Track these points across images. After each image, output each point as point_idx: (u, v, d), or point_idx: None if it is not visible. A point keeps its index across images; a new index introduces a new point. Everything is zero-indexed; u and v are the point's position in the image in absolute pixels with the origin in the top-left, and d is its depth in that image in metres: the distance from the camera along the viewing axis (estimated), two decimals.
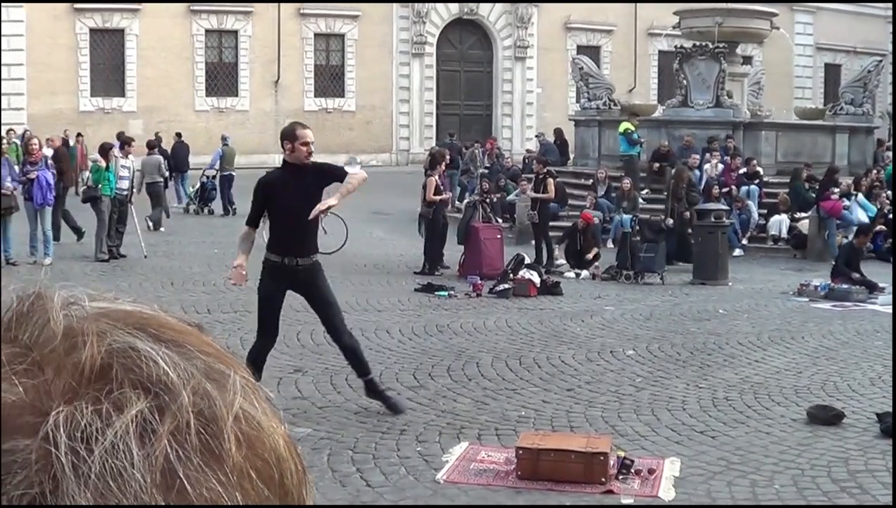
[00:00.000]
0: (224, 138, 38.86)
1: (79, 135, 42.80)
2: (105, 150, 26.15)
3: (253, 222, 12.57)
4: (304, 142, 11.65)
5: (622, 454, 10.47)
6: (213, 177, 36.66)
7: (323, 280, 12.49)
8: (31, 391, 0.77)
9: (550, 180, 26.86)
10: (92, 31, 55.97)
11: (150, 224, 29.50)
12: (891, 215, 28.96)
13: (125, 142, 27.93)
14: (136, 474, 0.74)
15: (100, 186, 24.77)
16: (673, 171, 29.95)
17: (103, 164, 25.02)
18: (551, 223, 26.71)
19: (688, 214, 26.85)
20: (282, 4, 57.70)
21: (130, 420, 0.76)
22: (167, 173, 33.51)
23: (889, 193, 30.77)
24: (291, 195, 11.65)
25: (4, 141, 31.82)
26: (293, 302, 19.47)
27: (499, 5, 62.11)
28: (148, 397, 0.77)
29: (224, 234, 29.19)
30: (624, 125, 34.43)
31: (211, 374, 0.82)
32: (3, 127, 40.05)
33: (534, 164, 29.65)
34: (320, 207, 11.49)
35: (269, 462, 0.81)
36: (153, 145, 32.79)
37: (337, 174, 12.15)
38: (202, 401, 0.79)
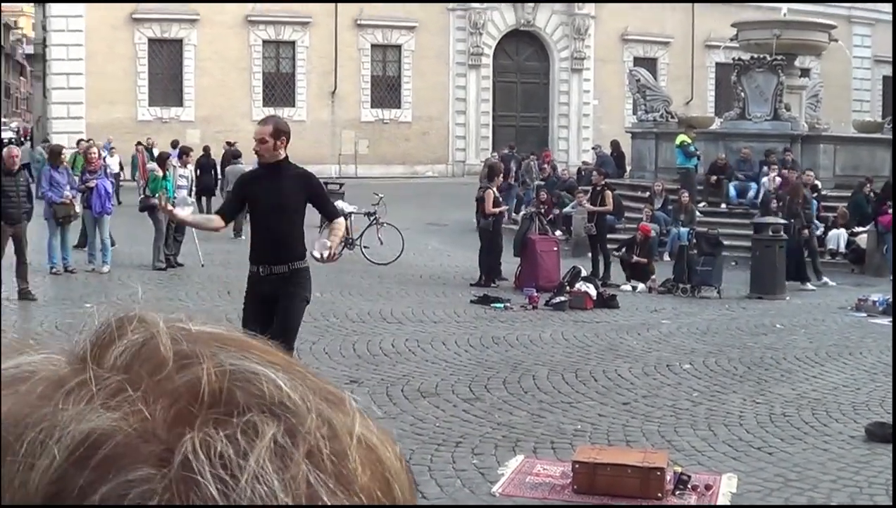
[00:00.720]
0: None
1: (138, 144, 43.00)
2: (162, 159, 26.32)
3: (224, 212, 11.47)
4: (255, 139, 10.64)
5: (679, 469, 10.43)
6: None
7: (294, 297, 11.00)
8: (146, 420, 0.76)
9: (608, 193, 26.80)
10: (150, 40, 56.41)
11: (233, 231, 29.92)
12: None
13: (183, 151, 28.10)
14: (285, 500, 0.74)
15: (157, 195, 24.93)
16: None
17: (160, 173, 25.18)
18: (608, 236, 26.64)
19: (806, 231, 26.59)
20: (339, 15, 57.90)
21: (267, 446, 0.75)
22: None
23: None
24: (265, 194, 10.66)
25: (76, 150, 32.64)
26: (348, 311, 19.62)
27: (555, 17, 62.07)
28: (277, 421, 0.77)
29: None
30: (681, 138, 34.29)
31: (324, 395, 0.83)
32: (65, 137, 40.59)
33: (593, 175, 29.50)
34: (327, 253, 11.09)
35: (389, 481, 0.81)
36: (236, 155, 33.97)
37: (324, 207, 11.37)
38: (324, 424, 0.79)
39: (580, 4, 62.25)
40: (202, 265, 24.63)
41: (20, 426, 0.75)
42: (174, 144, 39.16)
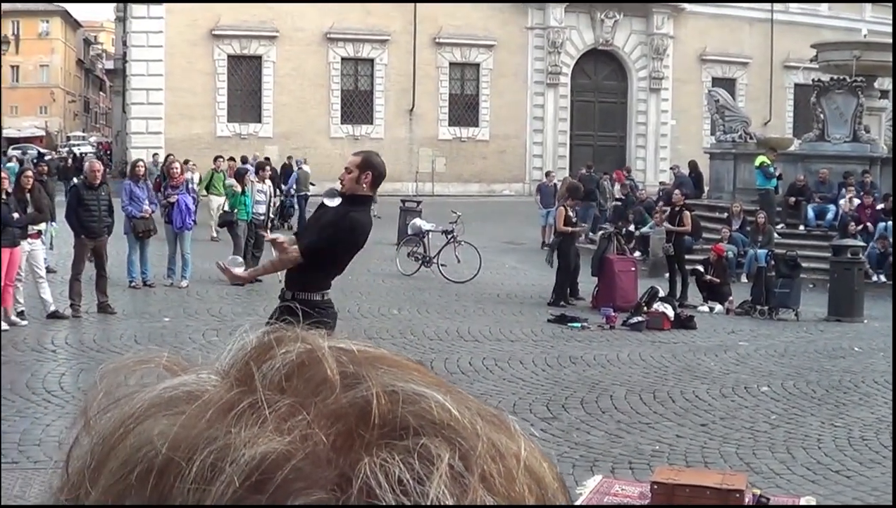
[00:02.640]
0: (298, 162, 41.09)
1: (217, 158, 43.32)
2: (240, 175, 26.51)
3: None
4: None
5: (758, 491, 10.38)
6: (291, 196, 40.26)
7: None
8: (319, 444, 0.77)
9: (687, 213, 26.70)
10: (230, 57, 56.86)
11: None
12: None
13: (260, 166, 28.30)
14: None
15: (236, 210, 25.10)
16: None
17: (239, 188, 25.35)
18: (685, 256, 26.53)
19: None
20: (418, 33, 58.10)
21: (444, 471, 0.75)
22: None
23: None
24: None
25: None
26: (425, 329, 19.67)
27: (634, 36, 61.98)
28: (449, 445, 0.77)
29: (359, 260, 29.40)
30: (760, 159, 34.12)
31: (488, 417, 0.82)
32: (143, 151, 40.98)
33: (675, 194, 29.37)
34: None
35: (551, 503, 0.81)
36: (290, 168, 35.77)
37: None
38: (492, 447, 0.79)
39: (659, 24, 62.08)
40: (280, 281, 24.72)
41: (189, 448, 0.76)
42: (244, 160, 39.94)
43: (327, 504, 0.74)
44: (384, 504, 0.73)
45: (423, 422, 0.79)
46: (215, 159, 35.11)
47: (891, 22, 39.76)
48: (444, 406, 0.80)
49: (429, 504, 0.73)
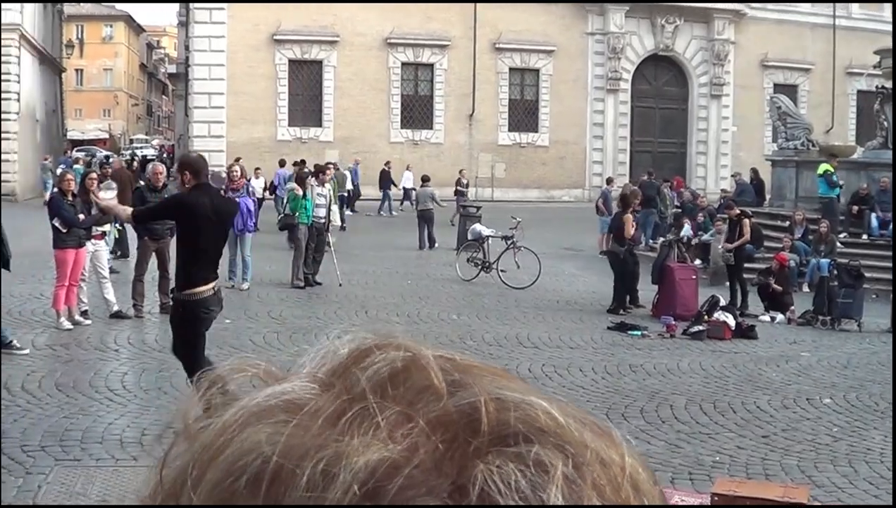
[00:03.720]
0: (334, 165, 41.82)
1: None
2: (302, 178, 26.59)
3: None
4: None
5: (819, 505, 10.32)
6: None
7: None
8: (431, 451, 0.77)
9: (746, 221, 26.52)
10: (291, 61, 57.12)
11: (428, 243, 33.59)
12: None
13: (320, 170, 28.38)
14: None
15: (297, 214, 25.18)
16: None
17: (300, 192, 25.44)
18: (746, 265, 26.36)
19: None
20: (478, 39, 58.12)
21: (560, 480, 0.75)
22: (441, 203, 36.61)
23: None
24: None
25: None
26: (484, 335, 19.66)
27: (695, 42, 61.74)
28: (561, 453, 0.77)
29: (417, 265, 29.51)
30: (823, 167, 33.78)
31: (591, 426, 0.83)
32: (206, 155, 41.20)
33: (730, 206, 29.12)
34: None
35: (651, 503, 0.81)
36: (427, 179, 37.91)
37: None
38: (598, 456, 0.79)
39: (720, 29, 61.82)
40: (339, 285, 24.82)
41: (301, 455, 0.76)
42: (296, 164, 40.43)
43: None
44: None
45: (532, 429, 0.79)
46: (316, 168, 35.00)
47: None
48: (551, 414, 0.80)
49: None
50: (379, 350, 0.85)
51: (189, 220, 11.85)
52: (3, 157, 49.80)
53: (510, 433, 0.78)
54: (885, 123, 35.46)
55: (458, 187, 45.74)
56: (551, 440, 0.78)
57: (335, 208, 31.57)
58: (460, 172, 48.16)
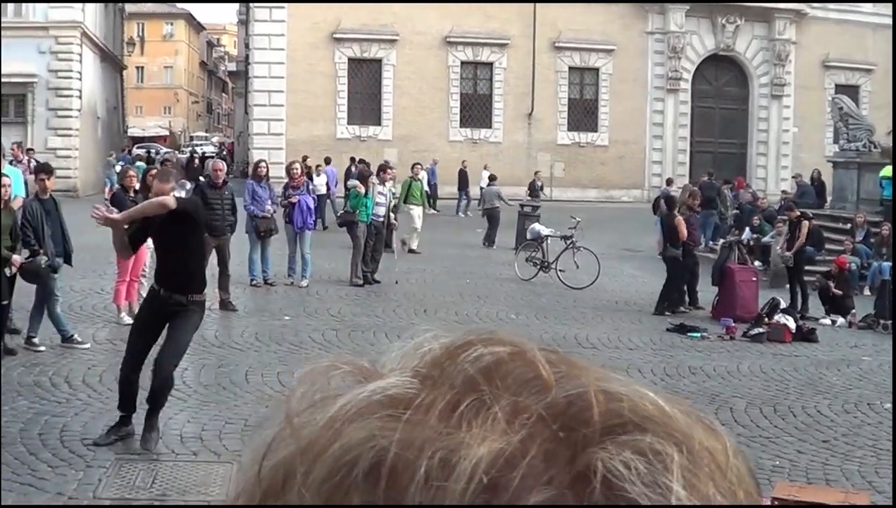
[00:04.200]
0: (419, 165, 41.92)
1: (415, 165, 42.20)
2: (364, 176, 26.65)
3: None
4: None
5: None
6: None
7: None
8: (546, 440, 0.77)
9: (806, 223, 26.33)
10: (350, 60, 57.27)
11: (488, 242, 34.09)
12: None
13: (382, 169, 28.40)
14: None
15: (357, 211, 25.22)
16: None
17: (362, 190, 25.48)
18: (807, 268, 26.17)
19: None
20: (537, 37, 58.05)
21: (678, 468, 0.75)
22: (509, 202, 36.47)
23: None
24: None
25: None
26: (543, 334, 19.61)
27: (756, 42, 61.39)
28: (674, 443, 0.77)
29: (478, 265, 29.49)
30: (887, 170, 33.46)
31: (692, 415, 0.83)
32: (265, 152, 41.39)
33: (789, 208, 28.89)
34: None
35: (754, 499, 0.81)
36: (494, 177, 39.87)
37: None
38: (704, 444, 0.79)
39: (781, 29, 61.44)
40: (395, 283, 24.84)
41: (418, 447, 0.76)
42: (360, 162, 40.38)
43: (565, 504, 0.74)
44: (631, 494, 0.73)
45: (641, 419, 0.79)
46: (413, 167, 34.79)
47: None
48: (658, 404, 0.81)
49: (673, 498, 0.74)
50: (480, 343, 0.85)
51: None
52: (65, 153, 50.17)
53: (622, 422, 0.78)
54: None
55: (533, 189, 45.42)
56: (662, 429, 0.78)
57: (416, 210, 31.63)
58: (535, 173, 47.99)
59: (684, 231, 23.67)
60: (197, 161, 65.81)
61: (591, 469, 0.75)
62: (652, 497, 0.73)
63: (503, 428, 0.77)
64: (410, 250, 30.83)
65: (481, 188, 47.23)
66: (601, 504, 0.74)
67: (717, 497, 0.77)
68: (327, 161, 44.07)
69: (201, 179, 29.98)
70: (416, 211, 32.15)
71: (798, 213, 27.05)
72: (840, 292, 24.11)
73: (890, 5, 59.34)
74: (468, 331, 0.88)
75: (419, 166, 35.12)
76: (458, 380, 0.82)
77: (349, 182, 27.66)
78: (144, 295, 19.54)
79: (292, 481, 0.80)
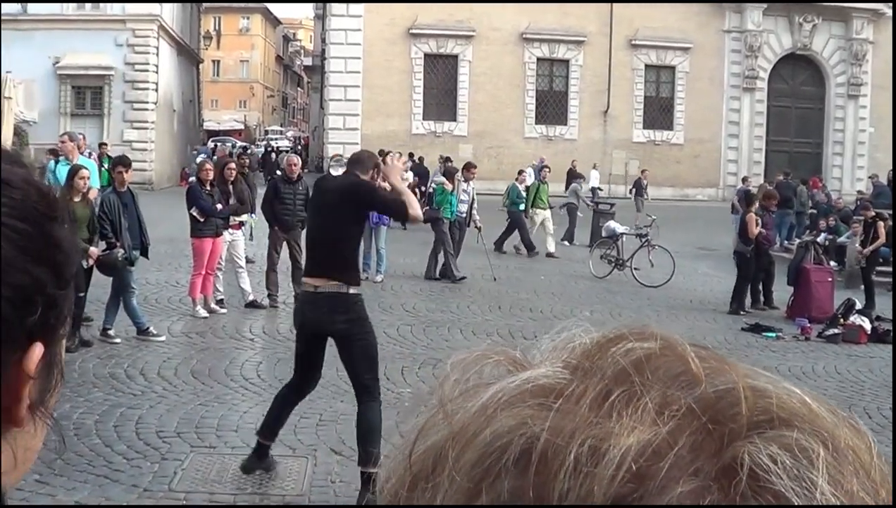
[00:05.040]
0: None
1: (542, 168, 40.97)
2: (451, 173, 26.67)
3: None
4: None
5: None
6: None
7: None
8: (693, 433, 0.78)
9: (881, 224, 26.07)
10: (426, 55, 57.34)
11: (568, 239, 33.95)
12: None
13: (466, 167, 28.35)
14: None
15: (442, 208, 25.23)
16: None
17: (449, 187, 25.50)
18: (883, 268, 25.92)
19: None
20: (613, 35, 57.88)
21: (824, 464, 0.76)
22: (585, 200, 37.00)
23: None
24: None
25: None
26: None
27: (833, 41, 60.89)
28: (820, 439, 0.77)
29: (552, 261, 29.44)
30: None
31: (836, 412, 0.83)
32: (340, 147, 41.48)
33: (867, 207, 28.60)
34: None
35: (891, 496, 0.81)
36: (579, 175, 40.07)
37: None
38: (849, 443, 0.80)
39: (858, 29, 60.88)
40: (494, 279, 24.80)
41: (568, 435, 0.78)
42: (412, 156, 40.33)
43: (710, 494, 0.75)
44: (777, 487, 0.74)
45: (789, 415, 0.79)
46: (541, 170, 34.16)
47: None
48: (803, 401, 0.82)
49: (818, 493, 0.74)
50: (632, 337, 0.87)
51: None
52: (141, 146, 50.60)
53: (769, 418, 0.79)
54: None
55: (639, 187, 44.99)
56: (808, 426, 0.79)
57: (543, 213, 31.35)
58: (642, 172, 47.27)
59: (754, 228, 23.51)
60: (273, 155, 66.13)
61: (737, 462, 0.76)
62: (798, 490, 0.74)
63: (652, 419, 0.79)
64: (549, 255, 30.60)
65: (592, 188, 46.96)
66: (747, 495, 0.74)
67: (861, 495, 0.77)
68: (410, 157, 44.17)
69: (277, 172, 30.08)
70: (542, 215, 31.67)
71: (874, 213, 26.81)
72: None
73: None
74: (619, 326, 0.90)
75: (546, 170, 34.29)
76: (609, 372, 0.84)
77: (435, 179, 27.54)
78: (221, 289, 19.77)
79: (443, 464, 0.82)
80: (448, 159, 38.60)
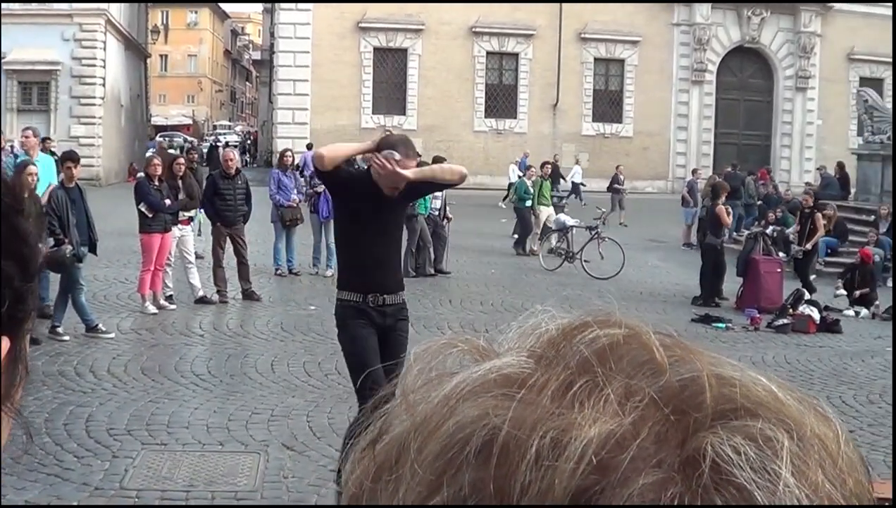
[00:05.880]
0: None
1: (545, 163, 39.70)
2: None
3: None
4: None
5: None
6: None
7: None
8: (657, 423, 0.77)
9: (819, 215, 26.25)
10: (376, 49, 57.30)
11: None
12: None
13: (436, 162, 28.13)
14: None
15: (416, 204, 25.10)
16: None
17: None
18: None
19: None
20: (563, 28, 57.98)
21: (788, 454, 0.75)
22: None
23: None
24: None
25: None
26: None
27: (781, 34, 61.22)
28: (784, 429, 0.77)
29: (501, 254, 29.48)
30: None
31: (803, 401, 0.83)
32: (289, 141, 41.28)
33: (803, 198, 28.61)
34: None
35: (862, 485, 0.80)
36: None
37: None
38: (815, 431, 0.79)
39: (806, 22, 61.24)
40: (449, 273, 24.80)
41: (530, 426, 0.77)
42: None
43: (665, 482, 0.75)
44: (740, 480, 0.73)
45: (753, 405, 0.79)
46: (542, 166, 33.03)
47: None
48: (770, 389, 0.81)
49: (781, 484, 0.74)
50: (596, 325, 0.86)
51: None
52: (88, 141, 50.26)
53: (734, 407, 0.78)
54: None
55: (615, 185, 44.08)
56: (773, 415, 0.78)
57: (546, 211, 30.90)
58: (617, 167, 46.50)
59: (726, 219, 23.70)
60: (220, 150, 65.93)
61: (700, 453, 0.75)
62: (760, 483, 0.74)
63: (615, 410, 0.78)
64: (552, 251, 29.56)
65: (573, 183, 46.49)
66: (710, 487, 0.74)
67: (826, 486, 0.77)
68: (309, 147, 43.43)
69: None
70: (545, 212, 30.75)
71: (811, 203, 26.92)
72: (866, 290, 24.01)
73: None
74: (585, 313, 0.90)
75: (549, 165, 33.39)
76: (573, 361, 0.83)
77: None
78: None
79: (406, 456, 0.81)
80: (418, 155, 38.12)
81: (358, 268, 9.20)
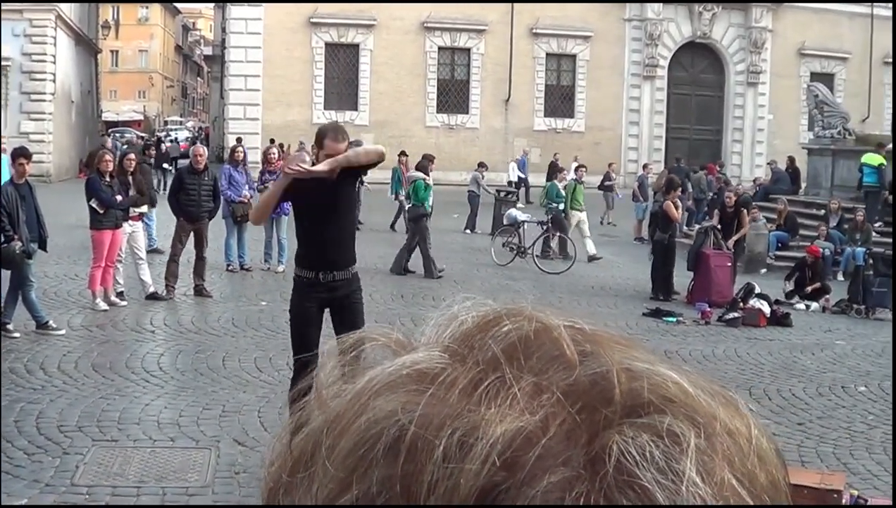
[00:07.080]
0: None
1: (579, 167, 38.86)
2: (424, 168, 26.31)
3: None
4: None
5: (856, 493, 10.28)
6: None
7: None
8: (565, 421, 0.77)
9: (744, 211, 26.41)
10: (327, 45, 57.18)
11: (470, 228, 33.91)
12: None
13: (429, 159, 27.74)
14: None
15: (423, 204, 24.93)
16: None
17: (430, 181, 25.31)
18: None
19: None
20: (515, 24, 58.03)
21: (693, 451, 0.75)
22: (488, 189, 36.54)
23: None
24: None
25: None
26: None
27: (732, 29, 61.48)
28: (692, 425, 0.77)
29: (453, 249, 29.47)
30: (878, 159, 33.19)
31: (716, 394, 0.82)
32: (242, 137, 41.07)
33: (726, 195, 28.26)
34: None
35: (776, 481, 0.81)
36: (482, 164, 38.41)
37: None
38: (726, 426, 0.79)
39: (757, 17, 61.52)
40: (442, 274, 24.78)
41: (437, 424, 0.77)
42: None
43: (572, 480, 0.75)
44: (643, 481, 0.74)
45: (662, 400, 0.79)
46: (576, 169, 32.82)
47: None
48: (680, 384, 0.81)
49: (686, 483, 0.74)
50: (508, 319, 0.86)
51: None
52: (38, 138, 49.92)
53: (642, 403, 0.79)
54: None
55: (607, 182, 42.50)
56: (682, 410, 0.79)
57: (579, 215, 30.38)
58: (609, 165, 45.44)
59: (675, 214, 23.78)
60: (164, 147, 65.49)
61: (606, 451, 0.75)
62: (664, 483, 0.74)
63: (522, 407, 0.78)
64: (591, 258, 28.78)
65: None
66: (612, 487, 0.74)
67: (731, 483, 0.77)
68: (272, 142, 43.31)
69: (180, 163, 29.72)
70: (577, 216, 29.89)
71: (734, 201, 27.00)
72: (817, 285, 24.17)
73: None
74: (502, 305, 0.90)
75: (583, 170, 32.71)
76: (483, 357, 0.83)
77: (415, 174, 26.76)
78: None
79: (319, 452, 0.81)
80: (402, 153, 37.62)
81: (311, 246, 10.14)
